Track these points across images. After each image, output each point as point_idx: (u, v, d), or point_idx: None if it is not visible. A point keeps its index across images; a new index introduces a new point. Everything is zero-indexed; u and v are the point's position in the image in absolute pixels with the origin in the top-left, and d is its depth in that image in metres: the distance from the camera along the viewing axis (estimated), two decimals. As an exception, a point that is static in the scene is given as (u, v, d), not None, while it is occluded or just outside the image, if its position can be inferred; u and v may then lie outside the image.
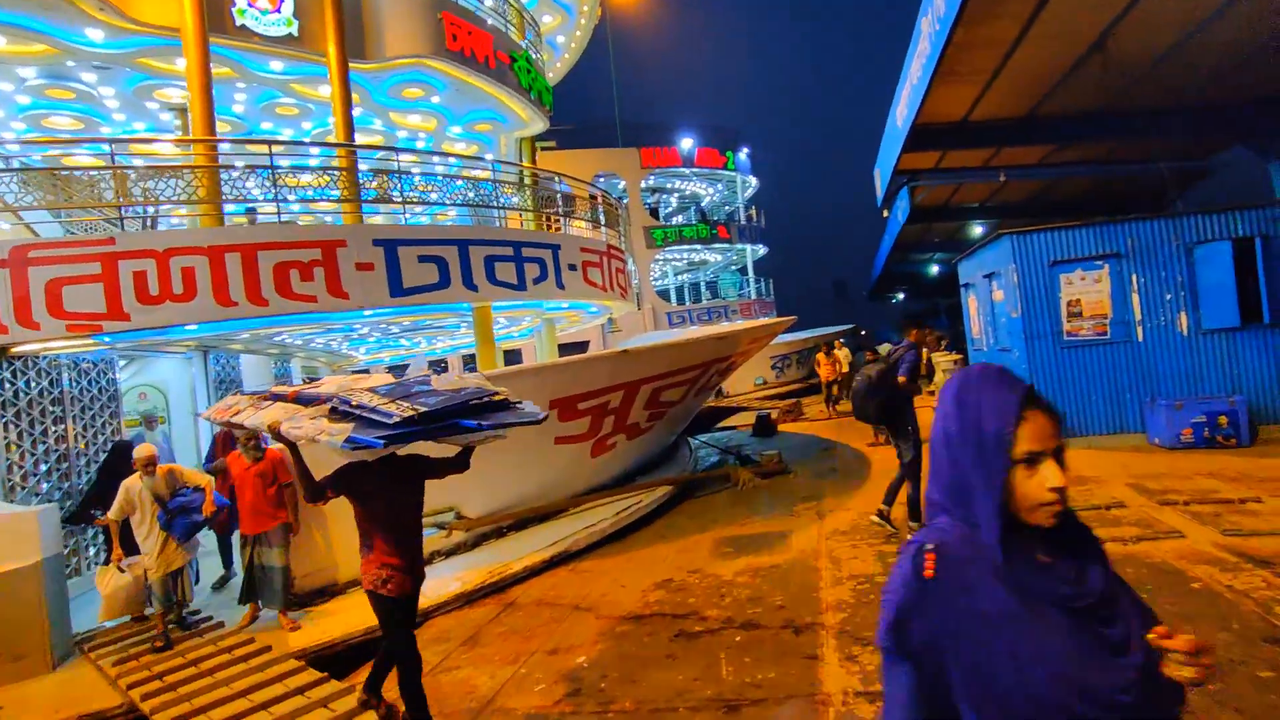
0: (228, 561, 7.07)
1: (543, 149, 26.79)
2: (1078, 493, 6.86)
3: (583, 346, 21.08)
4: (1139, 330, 8.99)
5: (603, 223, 11.12)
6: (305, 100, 9.97)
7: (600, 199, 11.95)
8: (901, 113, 12.22)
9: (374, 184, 9.22)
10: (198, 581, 6.66)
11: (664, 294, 34.39)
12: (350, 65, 8.75)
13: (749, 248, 30.32)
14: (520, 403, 3.69)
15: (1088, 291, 9.18)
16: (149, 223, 8.16)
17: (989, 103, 12.10)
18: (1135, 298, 9.00)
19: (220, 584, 6.93)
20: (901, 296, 54.65)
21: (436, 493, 6.22)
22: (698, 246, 27.47)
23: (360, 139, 10.81)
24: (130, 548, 5.70)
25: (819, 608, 4.99)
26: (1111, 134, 12.66)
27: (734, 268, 34.11)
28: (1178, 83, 11.31)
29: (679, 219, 33.58)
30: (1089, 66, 10.43)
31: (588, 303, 10.65)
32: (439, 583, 6.52)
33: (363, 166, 8.74)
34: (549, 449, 7.97)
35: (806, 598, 5.20)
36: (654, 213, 27.47)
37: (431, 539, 7.47)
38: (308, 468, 3.78)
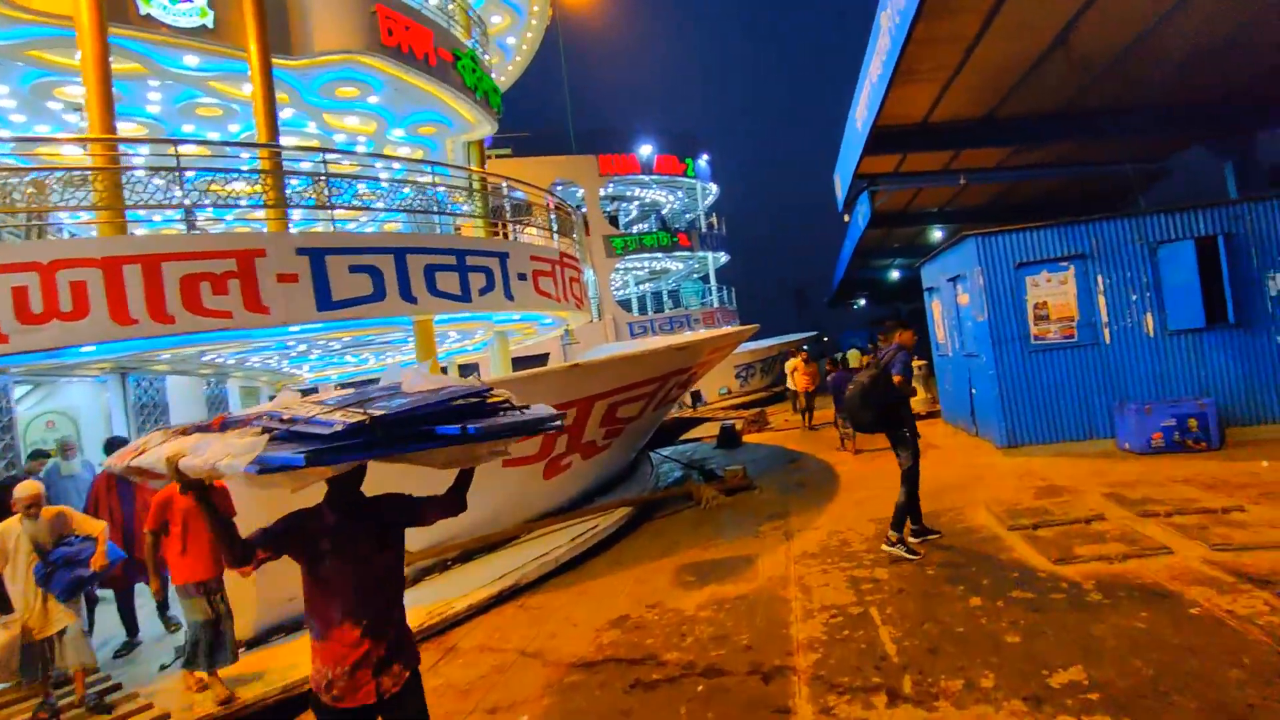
0: (131, 626, 6.20)
1: (498, 156, 26.19)
2: (1055, 505, 6.53)
3: (543, 360, 20.45)
4: (1106, 332, 8.78)
5: (555, 229, 10.58)
6: (229, 100, 9.24)
7: (554, 205, 11.43)
8: (861, 114, 11.99)
9: (311, 191, 8.57)
10: (91, 636, 5.86)
11: (625, 304, 33.90)
12: (274, 61, 8.08)
13: (710, 255, 30.06)
14: (526, 406, 2.61)
15: (1054, 293, 8.96)
16: (36, 232, 7.35)
17: (950, 103, 11.95)
18: (1101, 299, 8.81)
19: (125, 650, 6.05)
20: (863, 303, 55.20)
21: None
22: (658, 255, 27.08)
23: (295, 143, 10.11)
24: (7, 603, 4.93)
25: (789, 646, 4.50)
26: (1072, 134, 12.62)
27: (696, 276, 33.83)
28: (1139, 80, 11.29)
29: (640, 227, 33.20)
30: (1051, 63, 10.32)
31: (540, 314, 10.08)
32: (372, 627, 5.89)
33: (302, 168, 8.04)
34: (497, 473, 7.36)
35: (775, 635, 4.71)
36: (613, 221, 27.03)
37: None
38: (224, 520, 2.51)
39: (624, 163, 26.20)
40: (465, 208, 10.40)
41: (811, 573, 5.84)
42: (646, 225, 32.82)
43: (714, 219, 31.66)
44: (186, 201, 6.92)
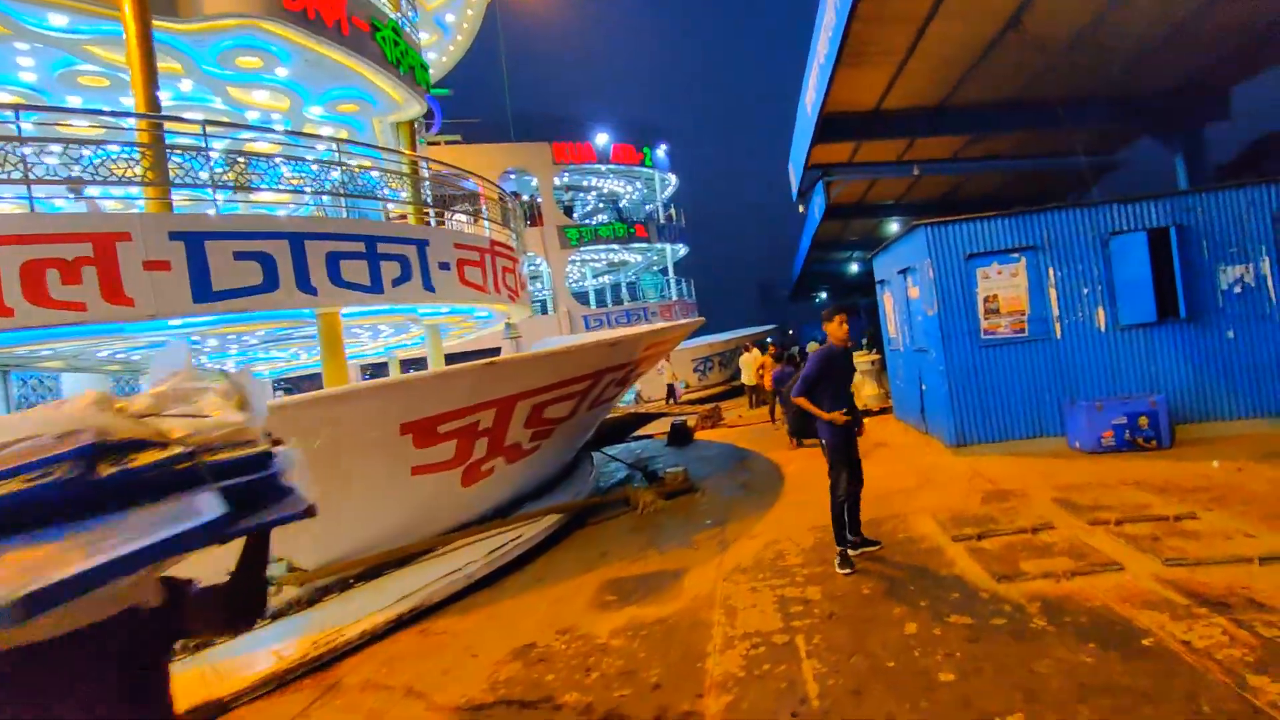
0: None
1: (447, 143, 25.20)
2: (1002, 511, 6.13)
3: (495, 354, 19.69)
4: (1057, 327, 8.45)
5: (485, 216, 9.90)
6: (114, 68, 8.34)
7: (488, 190, 10.72)
8: (810, 98, 11.52)
9: (231, 174, 7.76)
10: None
11: (582, 296, 33.24)
12: (157, 24, 7.22)
13: (669, 247, 29.52)
14: (272, 453, 1.49)
15: (1005, 286, 8.59)
16: None
17: (903, 89, 11.56)
18: (1053, 292, 8.46)
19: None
20: (824, 296, 55.40)
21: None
22: (615, 246, 26.43)
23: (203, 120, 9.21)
24: None
25: (702, 684, 3.96)
26: (1025, 124, 12.36)
27: (655, 268, 33.29)
28: (1092, 69, 11.05)
29: (601, 219, 32.51)
30: (1004, 47, 9.96)
31: (469, 306, 9.40)
32: (247, 659, 5.20)
33: (215, 150, 7.19)
34: (405, 481, 6.71)
35: (689, 671, 4.16)
36: (568, 211, 26.29)
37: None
38: None
39: (579, 151, 25.44)
40: (403, 194, 9.66)
41: (740, 591, 5.32)
42: (606, 217, 32.14)
43: (673, 211, 31.13)
44: (54, 176, 6.09)
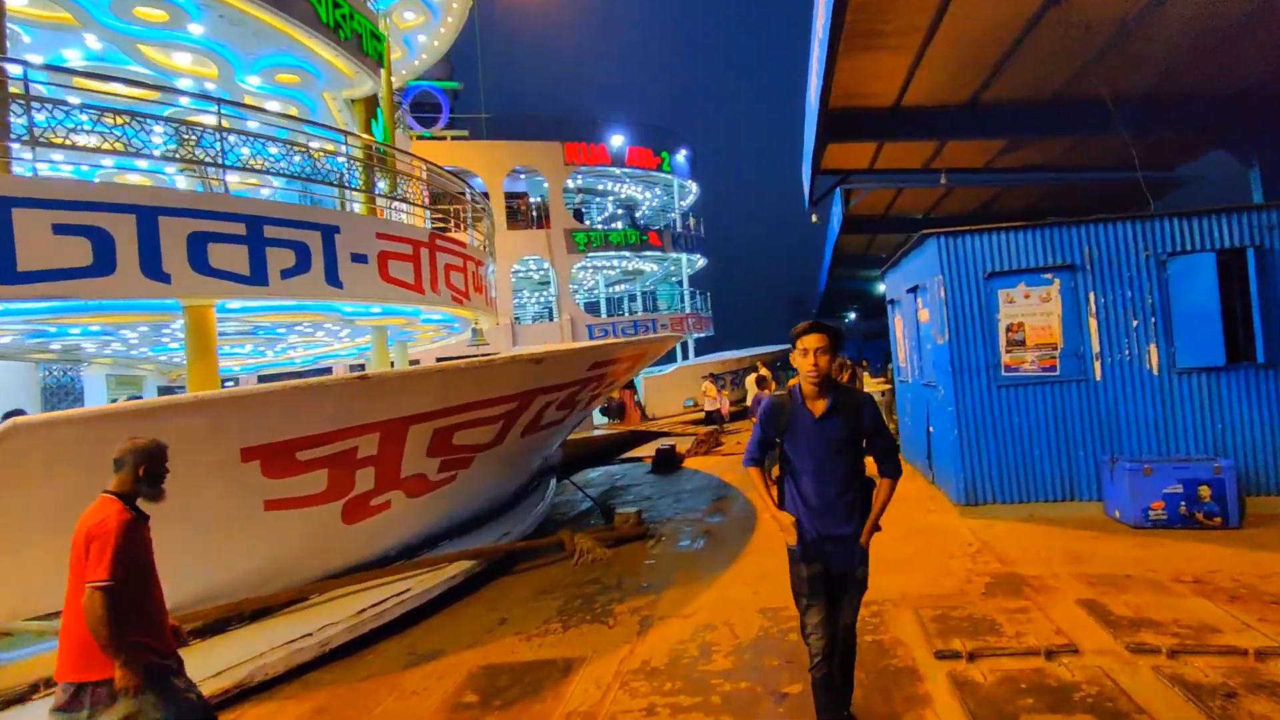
0: None
1: (454, 139, 24.24)
2: (1008, 614, 4.57)
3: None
4: (1097, 366, 6.83)
5: (426, 203, 8.67)
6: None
7: (434, 182, 9.49)
8: (813, 85, 10.01)
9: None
10: None
11: (595, 306, 32.00)
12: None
13: (684, 257, 28.11)
14: None
15: (1033, 313, 7.01)
16: None
17: (925, 81, 10.04)
18: (1093, 323, 6.86)
19: None
20: (853, 316, 53.41)
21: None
22: (626, 253, 25.10)
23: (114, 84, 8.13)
24: None
25: None
26: (1069, 128, 10.68)
27: (674, 279, 31.90)
28: (1148, 60, 9.34)
29: (619, 226, 31.27)
30: (1044, 30, 8.38)
31: (398, 307, 8.15)
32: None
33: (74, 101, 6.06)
34: (256, 519, 5.40)
35: None
36: (578, 215, 25.06)
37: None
38: None
39: (593, 152, 24.22)
40: (385, 185, 8.49)
41: (631, 714, 3.86)
42: (623, 224, 30.89)
43: (692, 220, 29.74)
44: None
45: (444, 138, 23.21)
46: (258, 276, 6.21)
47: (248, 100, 9.64)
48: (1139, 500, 6.27)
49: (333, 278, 6.85)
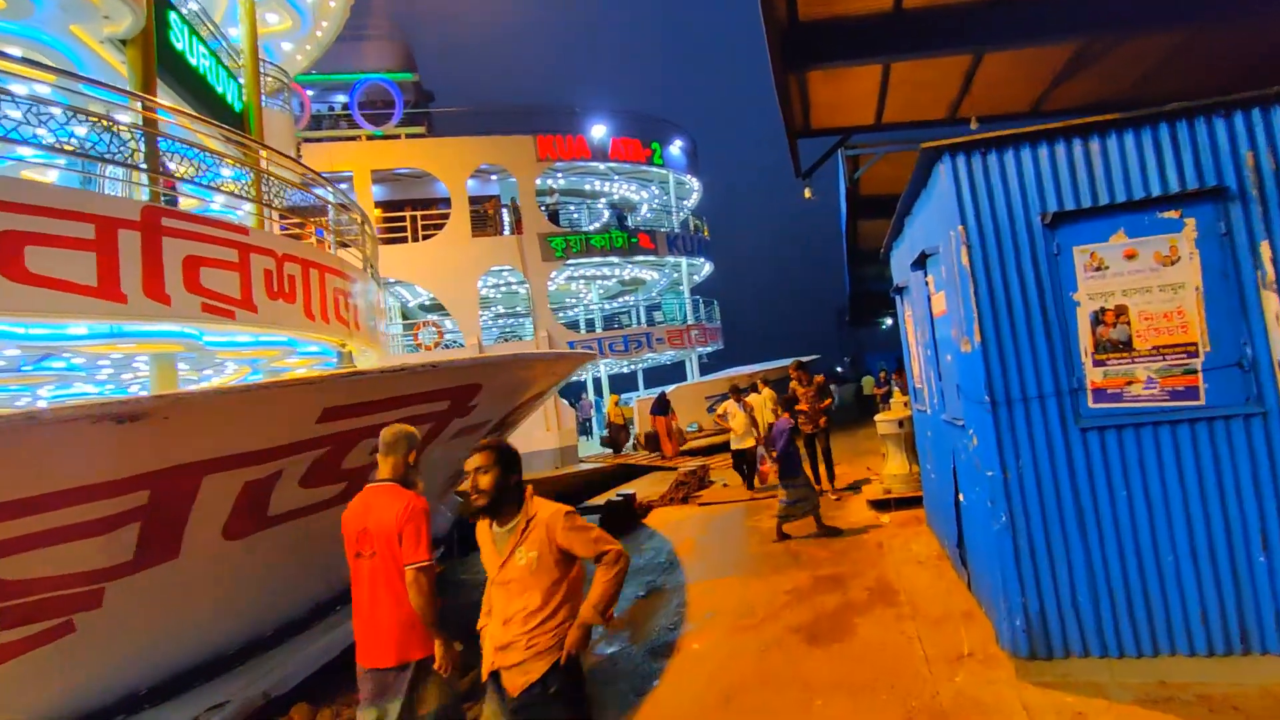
0: None
1: (408, 135, 21.61)
2: None
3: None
4: (1289, 386, 3.44)
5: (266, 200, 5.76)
6: None
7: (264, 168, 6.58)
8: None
9: None
10: None
11: (587, 322, 28.94)
12: None
13: (684, 261, 24.88)
14: None
15: (1145, 287, 3.66)
16: None
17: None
18: (1271, 300, 3.47)
19: None
20: (890, 322, 49.29)
21: None
22: (614, 259, 21.96)
23: None
24: None
25: None
26: (1172, 17, 7.03)
27: (680, 288, 28.67)
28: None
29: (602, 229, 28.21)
30: None
31: (191, 329, 5.21)
32: None
33: None
34: None
35: None
36: (554, 217, 22.08)
37: None
38: None
39: (570, 145, 21.23)
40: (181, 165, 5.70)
41: None
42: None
43: (693, 221, 26.54)
44: None
45: (398, 136, 20.56)
46: None
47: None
48: None
49: None
